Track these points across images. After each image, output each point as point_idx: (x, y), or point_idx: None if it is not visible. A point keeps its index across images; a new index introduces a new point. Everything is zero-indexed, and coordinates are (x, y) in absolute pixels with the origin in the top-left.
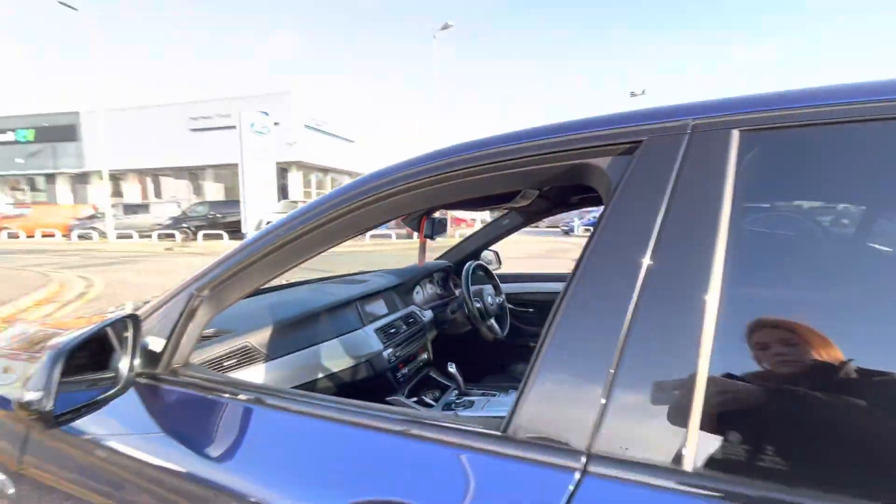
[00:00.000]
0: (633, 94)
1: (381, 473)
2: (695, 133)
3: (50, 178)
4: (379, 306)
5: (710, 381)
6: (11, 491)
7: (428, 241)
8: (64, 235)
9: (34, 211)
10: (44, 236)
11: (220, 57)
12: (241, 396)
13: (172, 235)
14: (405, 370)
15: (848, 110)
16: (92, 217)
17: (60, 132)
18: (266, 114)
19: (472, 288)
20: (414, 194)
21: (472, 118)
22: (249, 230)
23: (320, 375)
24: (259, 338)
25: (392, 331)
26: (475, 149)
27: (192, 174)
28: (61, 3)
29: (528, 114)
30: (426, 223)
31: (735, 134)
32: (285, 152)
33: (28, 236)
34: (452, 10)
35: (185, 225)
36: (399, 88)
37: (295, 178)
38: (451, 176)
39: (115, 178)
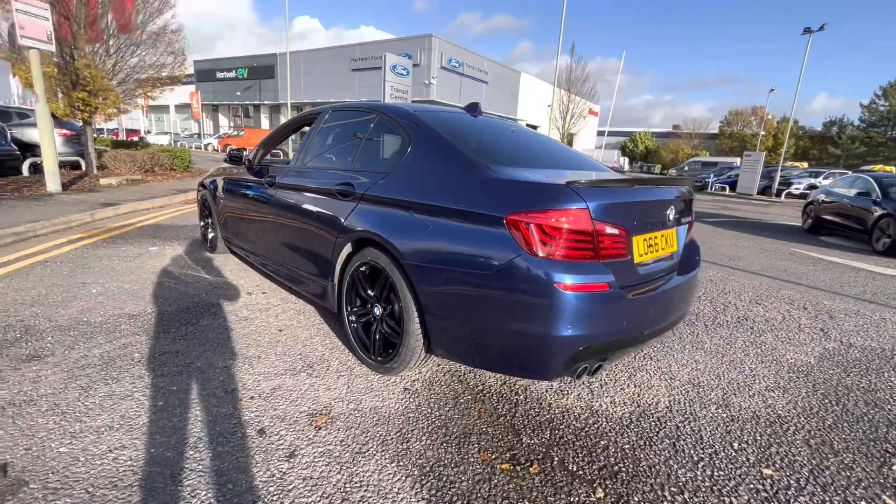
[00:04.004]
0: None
1: None
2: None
3: (256, 107)
4: None
5: None
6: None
7: None
8: None
9: (246, 133)
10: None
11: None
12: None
13: None
14: None
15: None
16: None
17: (264, 71)
18: (409, 56)
19: None
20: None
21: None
22: None
23: None
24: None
25: None
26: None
27: None
28: None
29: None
30: None
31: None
32: (423, 91)
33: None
34: None
35: None
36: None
37: None
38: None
39: (297, 108)
